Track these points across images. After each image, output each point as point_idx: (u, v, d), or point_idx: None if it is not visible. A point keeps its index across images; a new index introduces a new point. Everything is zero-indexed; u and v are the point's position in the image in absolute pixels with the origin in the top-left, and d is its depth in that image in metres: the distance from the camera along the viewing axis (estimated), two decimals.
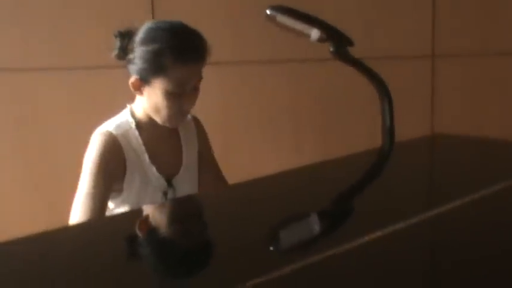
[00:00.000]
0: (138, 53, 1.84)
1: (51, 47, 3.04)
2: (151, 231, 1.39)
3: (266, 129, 3.19)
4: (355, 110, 3.19)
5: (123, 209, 1.92)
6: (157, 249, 1.25)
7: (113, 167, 1.86)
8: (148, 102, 1.89)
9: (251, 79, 3.14)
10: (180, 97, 1.86)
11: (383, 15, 3.11)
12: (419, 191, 1.62)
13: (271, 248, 1.25)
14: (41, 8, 3.02)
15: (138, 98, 1.95)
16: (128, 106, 1.98)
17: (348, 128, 3.21)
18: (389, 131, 2.15)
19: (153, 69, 1.82)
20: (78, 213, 1.81)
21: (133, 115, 1.95)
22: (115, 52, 1.91)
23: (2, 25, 3.00)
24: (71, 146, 3.03)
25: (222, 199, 1.61)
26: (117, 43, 1.90)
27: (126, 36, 1.88)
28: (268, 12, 2.03)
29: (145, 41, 1.84)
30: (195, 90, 1.90)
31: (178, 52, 1.80)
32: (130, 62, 1.87)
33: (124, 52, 1.88)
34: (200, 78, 1.89)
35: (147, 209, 1.68)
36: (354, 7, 3.09)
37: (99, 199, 1.82)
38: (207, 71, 1.94)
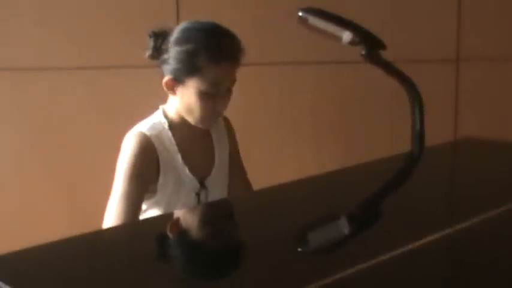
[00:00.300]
0: (173, 53, 1.83)
1: (70, 46, 3.02)
2: (195, 234, 1.39)
3: (287, 131, 3.17)
4: (375, 114, 3.17)
5: (156, 210, 1.91)
6: (202, 254, 1.24)
7: (147, 168, 1.85)
8: (181, 103, 1.88)
9: (272, 81, 3.13)
10: (213, 98, 1.84)
11: (407, 18, 3.09)
12: (452, 199, 1.61)
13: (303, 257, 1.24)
14: (62, 7, 2.99)
15: (171, 98, 1.93)
16: (161, 107, 1.97)
17: (368, 132, 3.19)
18: (419, 135, 2.13)
19: (187, 69, 1.81)
20: (112, 215, 1.79)
21: (166, 116, 1.94)
22: (149, 52, 1.90)
23: (22, 25, 2.98)
24: (92, 146, 3.05)
25: (254, 204, 1.59)
26: (150, 43, 1.89)
27: (160, 36, 1.87)
28: (300, 14, 2.01)
29: (180, 41, 1.83)
30: (229, 92, 1.89)
31: (212, 52, 1.79)
32: (164, 62, 1.86)
33: (158, 52, 1.87)
34: (234, 80, 1.88)
35: (185, 213, 1.68)
36: (379, 10, 3.07)
37: (134, 201, 1.80)
38: None
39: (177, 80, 1.85)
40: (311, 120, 3.20)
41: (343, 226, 1.43)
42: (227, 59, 1.82)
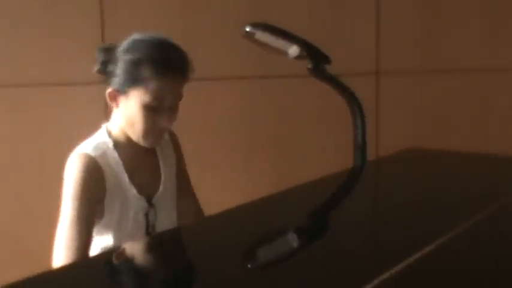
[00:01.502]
0: (119, 63, 1.79)
1: None
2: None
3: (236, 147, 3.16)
4: (308, 128, 3.19)
5: (106, 234, 1.85)
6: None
7: (95, 190, 1.78)
8: (123, 115, 1.83)
9: (215, 96, 3.10)
10: (156, 112, 1.80)
11: (326, 32, 3.13)
12: (414, 210, 1.63)
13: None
14: None
15: (114, 114, 1.88)
16: (103, 126, 1.91)
17: (301, 147, 3.21)
18: (361, 147, 2.17)
19: (131, 79, 1.77)
20: (64, 240, 1.72)
21: (109, 135, 1.88)
22: (97, 67, 1.85)
23: None
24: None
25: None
26: (99, 58, 1.84)
27: (108, 51, 1.83)
28: (247, 29, 2.01)
29: (127, 51, 1.79)
30: (174, 108, 1.84)
31: (157, 64, 1.76)
32: (110, 73, 1.81)
33: (106, 66, 1.82)
34: (180, 96, 1.84)
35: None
36: (297, 23, 3.09)
37: (85, 224, 1.74)
38: None
39: (121, 91, 1.80)
40: (243, 135, 3.18)
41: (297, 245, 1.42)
42: (172, 73, 1.78)
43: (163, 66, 1.77)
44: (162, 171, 1.97)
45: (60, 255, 1.70)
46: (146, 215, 1.90)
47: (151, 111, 1.80)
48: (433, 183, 1.83)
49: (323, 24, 3.14)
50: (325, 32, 3.14)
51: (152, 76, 1.76)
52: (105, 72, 1.83)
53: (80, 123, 3.03)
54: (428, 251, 1.20)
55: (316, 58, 2.04)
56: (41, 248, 2.77)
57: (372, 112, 3.22)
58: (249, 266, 1.26)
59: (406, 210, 1.56)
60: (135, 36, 1.83)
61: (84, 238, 1.72)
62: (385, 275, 1.09)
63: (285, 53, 2.06)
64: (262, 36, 2.02)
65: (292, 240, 1.44)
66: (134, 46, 1.79)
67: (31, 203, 3.08)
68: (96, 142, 1.85)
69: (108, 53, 1.82)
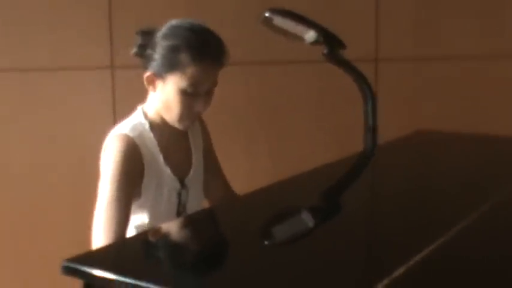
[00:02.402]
0: (158, 48, 1.83)
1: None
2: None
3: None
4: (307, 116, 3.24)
5: (141, 214, 1.89)
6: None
7: (134, 171, 1.83)
8: (160, 100, 1.88)
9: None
10: (192, 97, 1.85)
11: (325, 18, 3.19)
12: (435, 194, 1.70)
13: None
14: None
15: (150, 97, 1.93)
16: (139, 107, 1.96)
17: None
18: (372, 131, 2.23)
19: (169, 64, 1.82)
20: (104, 221, 1.74)
21: (145, 116, 1.93)
22: (134, 49, 1.90)
23: None
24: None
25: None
26: (138, 40, 1.89)
27: (147, 34, 1.87)
28: (267, 14, 2.06)
29: (166, 36, 1.83)
30: (209, 93, 1.89)
31: (195, 50, 1.80)
32: (148, 57, 1.86)
33: (143, 49, 1.87)
34: (215, 82, 1.89)
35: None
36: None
37: (125, 205, 1.77)
38: None
39: (159, 75, 1.85)
40: (242, 123, 3.23)
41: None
42: (209, 60, 1.83)
43: (201, 52, 1.82)
44: (193, 153, 2.02)
45: (100, 235, 1.73)
46: (179, 195, 1.95)
47: (187, 96, 1.84)
48: (447, 165, 1.91)
49: (322, 11, 3.20)
50: (324, 19, 3.20)
51: (189, 62, 1.80)
52: (143, 56, 1.88)
53: (87, 107, 3.10)
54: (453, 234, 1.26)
55: (331, 43, 2.10)
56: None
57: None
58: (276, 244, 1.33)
59: (427, 193, 1.63)
60: (173, 22, 1.87)
61: (123, 218, 1.75)
62: (416, 258, 1.14)
63: (301, 39, 2.11)
64: (280, 21, 2.07)
65: (310, 221, 1.51)
66: (172, 32, 1.83)
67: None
68: (133, 123, 1.89)
69: (147, 37, 1.87)
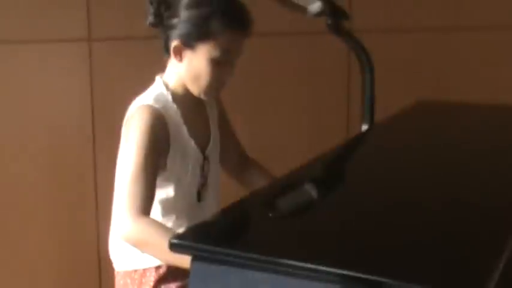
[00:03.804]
0: (184, 16, 1.78)
1: None
2: None
3: None
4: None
5: (165, 189, 1.84)
6: None
7: (162, 141, 1.78)
8: (187, 69, 1.83)
9: None
10: (221, 67, 1.82)
11: None
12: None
13: None
14: None
15: (171, 67, 1.87)
16: (159, 78, 1.90)
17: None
18: (370, 101, 2.26)
19: (200, 33, 1.78)
20: (130, 190, 1.67)
21: (167, 87, 1.88)
22: (150, 19, 1.84)
23: None
24: None
25: None
26: (151, 10, 1.83)
27: (163, 3, 1.82)
28: None
29: (194, 4, 1.78)
30: (234, 63, 1.86)
31: (229, 18, 1.77)
32: (171, 27, 1.81)
33: (160, 18, 1.82)
34: (242, 52, 1.85)
35: None
36: None
37: (153, 176, 1.72)
38: None
39: (187, 45, 1.80)
40: None
41: None
42: (242, 27, 1.80)
43: (233, 19, 1.78)
44: (210, 124, 2.00)
45: (124, 211, 1.65)
46: (202, 167, 1.92)
47: (217, 65, 1.81)
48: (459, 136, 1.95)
49: None
50: None
51: (222, 30, 1.77)
52: (162, 25, 1.83)
53: (63, 81, 3.03)
54: None
55: (335, 14, 2.10)
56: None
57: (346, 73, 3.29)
58: None
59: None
60: None
61: (149, 192, 1.70)
62: None
63: (304, 10, 2.11)
64: None
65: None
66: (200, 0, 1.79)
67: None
68: (155, 94, 1.84)
69: (166, 6, 1.82)
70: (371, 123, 2.25)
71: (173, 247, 1.12)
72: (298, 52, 3.09)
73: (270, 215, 1.32)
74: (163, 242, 1.33)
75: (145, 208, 1.66)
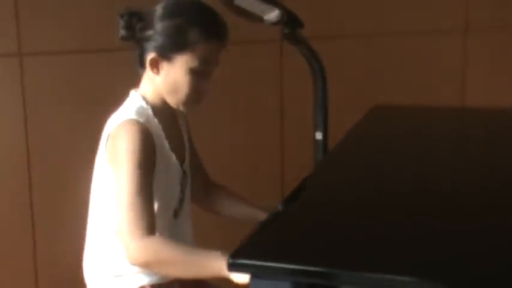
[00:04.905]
0: (159, 28, 1.74)
1: None
2: None
3: None
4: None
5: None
6: None
7: (151, 156, 1.71)
8: (165, 82, 1.78)
9: None
10: (200, 78, 1.78)
11: None
12: None
13: None
14: None
15: (149, 79, 1.81)
16: (134, 93, 1.83)
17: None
18: (322, 109, 2.28)
19: (178, 44, 1.74)
20: (131, 212, 1.60)
21: (146, 101, 1.81)
22: (122, 33, 1.78)
23: None
24: None
25: None
26: (121, 23, 1.78)
27: (134, 15, 1.77)
28: None
29: (169, 15, 1.75)
30: (212, 74, 1.83)
31: (205, 28, 1.75)
32: (146, 39, 1.76)
33: (132, 31, 1.77)
34: (219, 62, 1.83)
35: None
36: None
37: (149, 192, 1.66)
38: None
39: (164, 57, 1.76)
40: None
41: None
42: (218, 37, 1.78)
43: (210, 29, 1.76)
44: (184, 136, 1.96)
45: (130, 229, 1.59)
46: (181, 182, 1.88)
47: (196, 76, 1.77)
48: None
49: None
50: None
51: (199, 40, 1.74)
52: (134, 38, 1.78)
53: None
54: None
55: (292, 23, 2.11)
56: None
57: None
58: None
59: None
60: (171, 0, 1.79)
61: (151, 209, 1.64)
62: None
63: (260, 19, 2.10)
64: (242, 1, 2.05)
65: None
66: (175, 10, 1.76)
67: None
68: (136, 107, 1.78)
69: (139, 18, 1.77)
70: (325, 130, 2.27)
71: (232, 267, 1.09)
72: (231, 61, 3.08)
73: (311, 224, 1.33)
74: (184, 259, 1.41)
75: (150, 227, 1.61)
